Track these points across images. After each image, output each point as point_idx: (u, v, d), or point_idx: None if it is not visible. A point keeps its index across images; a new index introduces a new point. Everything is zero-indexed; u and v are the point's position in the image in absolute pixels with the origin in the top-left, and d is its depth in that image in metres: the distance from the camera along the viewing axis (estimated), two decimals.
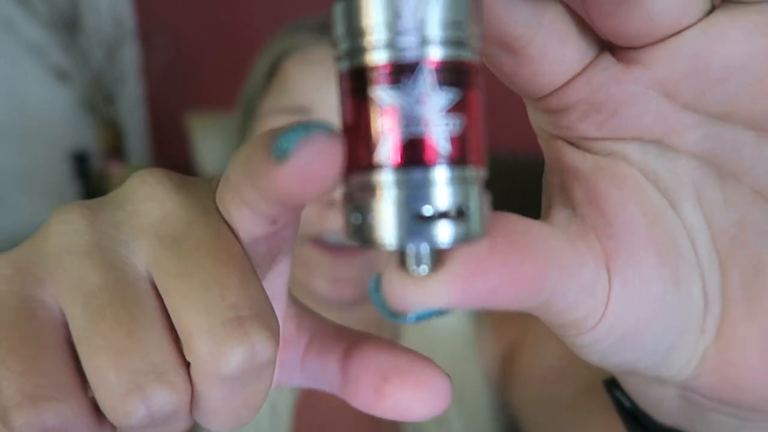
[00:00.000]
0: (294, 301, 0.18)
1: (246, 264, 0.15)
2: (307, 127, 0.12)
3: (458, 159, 0.12)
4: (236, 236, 0.15)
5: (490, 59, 0.16)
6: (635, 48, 0.15)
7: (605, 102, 0.16)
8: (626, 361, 0.17)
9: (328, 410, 0.51)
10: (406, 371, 0.17)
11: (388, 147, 0.12)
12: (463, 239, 0.12)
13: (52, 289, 0.14)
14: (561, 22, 0.15)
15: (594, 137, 0.17)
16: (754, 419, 0.16)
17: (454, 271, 0.13)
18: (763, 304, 0.16)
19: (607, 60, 0.16)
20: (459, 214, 0.12)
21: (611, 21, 0.15)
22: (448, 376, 0.17)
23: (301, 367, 0.18)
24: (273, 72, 0.53)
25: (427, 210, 0.12)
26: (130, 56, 1.53)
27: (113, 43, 1.47)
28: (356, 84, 0.12)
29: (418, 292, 0.13)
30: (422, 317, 0.14)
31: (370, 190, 0.12)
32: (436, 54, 0.12)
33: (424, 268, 0.13)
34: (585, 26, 0.16)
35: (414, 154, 0.12)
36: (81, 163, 1.43)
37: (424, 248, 0.13)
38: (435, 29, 0.12)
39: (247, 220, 0.14)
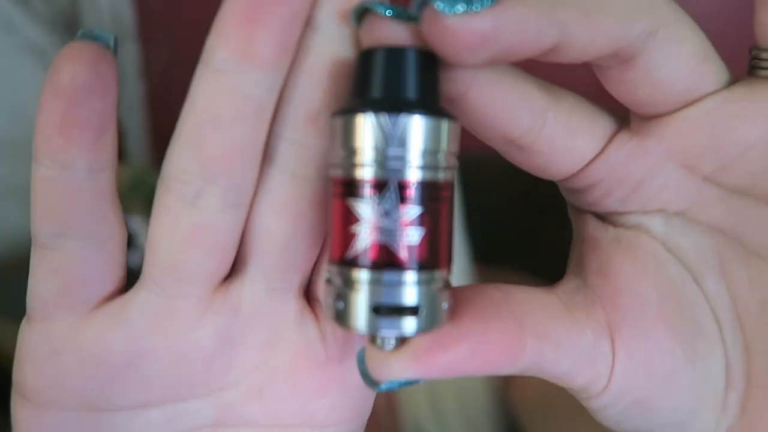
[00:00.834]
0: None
1: None
2: None
3: (423, 263, 0.14)
4: None
5: (504, 153, 0.16)
6: (650, 118, 0.15)
7: (625, 178, 0.16)
8: (639, 430, 0.17)
9: None
10: None
11: (362, 249, 0.14)
12: (424, 329, 0.14)
13: None
14: (567, 116, 0.15)
15: (619, 211, 0.17)
16: None
17: (414, 348, 0.15)
18: None
19: (624, 137, 0.16)
20: (421, 311, 0.14)
21: (624, 88, 0.15)
22: None
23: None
24: None
25: (394, 305, 0.14)
26: (130, 56, 1.53)
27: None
28: (341, 190, 0.14)
29: (385, 367, 0.15)
30: (393, 387, 0.16)
31: (348, 283, 0.15)
32: (411, 176, 0.14)
33: (390, 347, 0.15)
34: (596, 111, 0.16)
35: (382, 257, 0.14)
36: None
37: (390, 336, 0.15)
38: (414, 156, 0.14)
39: None
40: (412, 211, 0.14)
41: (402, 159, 0.14)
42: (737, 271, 0.16)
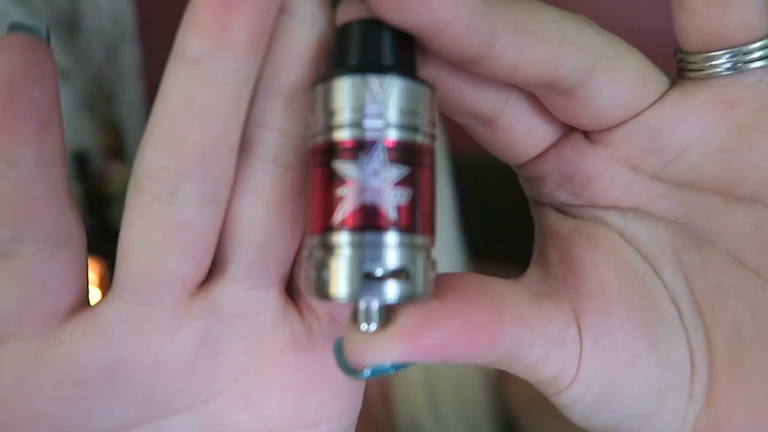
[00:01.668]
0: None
1: None
2: None
3: (406, 226, 0.14)
4: None
5: (470, 128, 0.17)
6: (596, 131, 0.16)
7: (575, 175, 0.17)
8: (608, 423, 0.17)
9: None
10: None
11: (344, 212, 0.14)
12: (408, 297, 0.14)
13: None
14: (529, 101, 0.16)
15: (573, 204, 0.17)
16: None
17: (400, 326, 0.14)
18: (746, 370, 0.16)
19: (577, 135, 0.17)
20: (405, 275, 0.14)
21: (565, 114, 0.16)
22: None
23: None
24: None
25: (377, 269, 0.14)
26: (130, 56, 1.53)
27: (113, 43, 1.47)
28: (323, 157, 0.14)
29: (368, 349, 0.14)
30: (376, 373, 0.15)
31: (327, 249, 0.14)
32: (392, 136, 0.14)
33: (373, 326, 0.14)
34: None
35: (367, 219, 0.14)
36: (81, 163, 1.43)
37: (374, 305, 0.14)
38: (393, 115, 0.14)
39: None
40: (398, 171, 0.14)
41: (383, 119, 0.14)
42: (692, 259, 0.16)
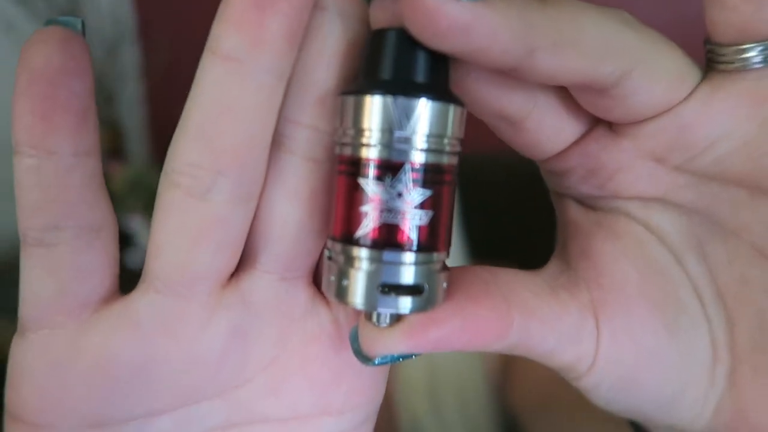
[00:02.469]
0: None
1: None
2: None
3: (425, 246, 0.14)
4: None
5: (494, 127, 0.17)
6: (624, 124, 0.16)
7: (600, 168, 0.17)
8: (630, 407, 0.17)
9: None
10: None
11: (366, 228, 0.14)
12: (421, 309, 0.15)
13: None
14: (556, 101, 0.16)
15: (596, 195, 0.17)
16: None
17: (408, 323, 0.15)
18: None
19: (601, 130, 0.17)
20: (420, 291, 0.15)
21: (598, 110, 0.16)
22: None
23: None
24: None
25: (393, 285, 0.14)
26: (130, 56, 1.53)
27: (113, 43, 1.47)
28: (350, 168, 0.14)
29: (379, 342, 0.15)
30: (385, 361, 0.16)
31: (348, 259, 0.15)
32: (418, 159, 0.14)
33: (384, 324, 0.15)
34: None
35: (388, 237, 0.14)
36: None
37: (387, 313, 0.15)
38: (421, 140, 0.14)
39: None
40: (421, 193, 0.14)
41: (410, 142, 0.14)
42: (716, 250, 0.16)
